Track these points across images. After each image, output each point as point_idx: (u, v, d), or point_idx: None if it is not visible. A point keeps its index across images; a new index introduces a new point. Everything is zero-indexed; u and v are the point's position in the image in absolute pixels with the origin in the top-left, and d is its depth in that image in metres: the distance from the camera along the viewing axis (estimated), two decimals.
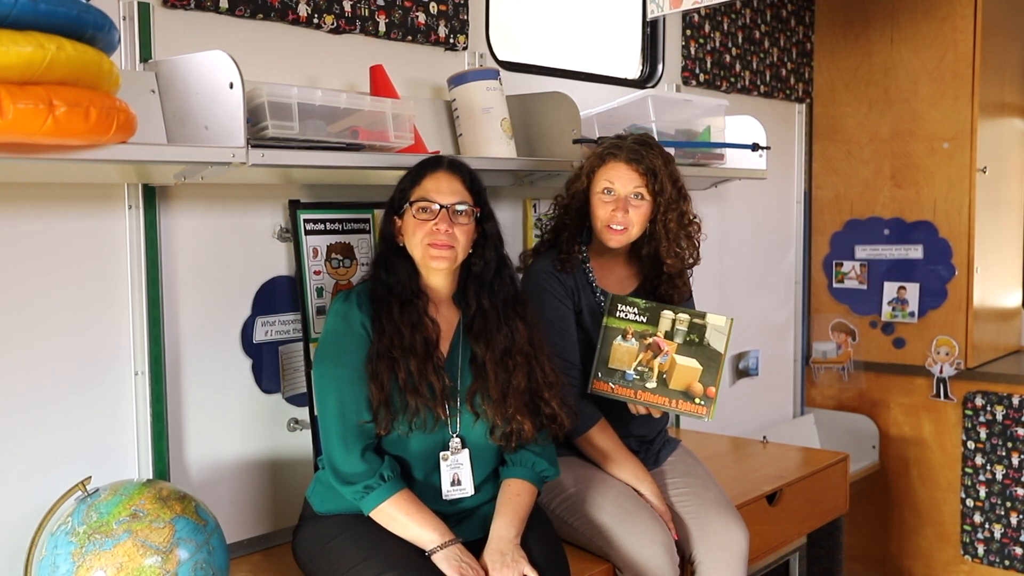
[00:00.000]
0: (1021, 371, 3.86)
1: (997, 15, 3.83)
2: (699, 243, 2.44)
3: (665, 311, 2.29)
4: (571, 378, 2.30)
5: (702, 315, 2.27)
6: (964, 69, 3.76)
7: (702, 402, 2.25)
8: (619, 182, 2.33)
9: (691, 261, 2.44)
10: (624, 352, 2.30)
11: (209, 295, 2.21)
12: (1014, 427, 3.73)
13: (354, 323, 1.98)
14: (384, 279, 2.03)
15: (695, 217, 2.42)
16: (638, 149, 2.33)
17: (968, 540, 3.86)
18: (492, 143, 2.51)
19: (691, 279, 2.54)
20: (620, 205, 2.32)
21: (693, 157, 2.96)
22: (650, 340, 2.29)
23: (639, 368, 2.29)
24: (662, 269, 2.41)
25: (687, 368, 2.26)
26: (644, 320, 2.30)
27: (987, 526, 3.81)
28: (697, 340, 2.26)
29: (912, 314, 3.95)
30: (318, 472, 2.10)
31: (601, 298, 2.39)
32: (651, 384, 2.28)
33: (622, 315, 2.31)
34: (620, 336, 2.31)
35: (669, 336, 2.28)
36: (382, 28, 2.46)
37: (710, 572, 2.25)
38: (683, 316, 2.27)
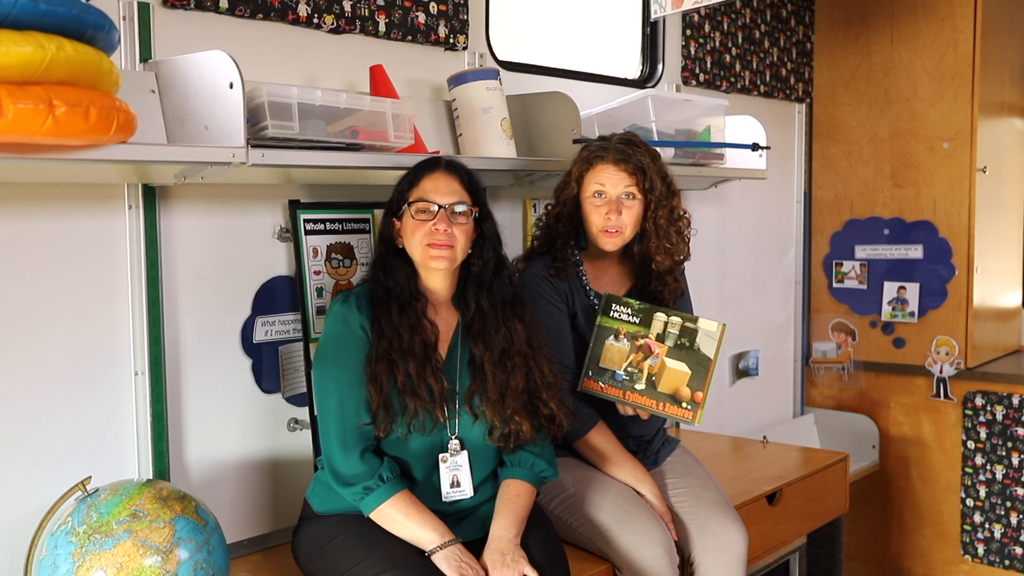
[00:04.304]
0: (1021, 371, 3.85)
1: (997, 15, 3.83)
2: (689, 238, 2.43)
3: (658, 313, 2.29)
4: (566, 382, 2.29)
5: (694, 319, 2.27)
6: (964, 69, 3.76)
7: (689, 406, 2.25)
8: (609, 184, 2.32)
9: (680, 258, 2.43)
10: (615, 352, 2.30)
11: (209, 295, 2.21)
12: (1014, 427, 3.73)
13: (353, 325, 1.98)
14: (383, 281, 2.03)
15: (684, 212, 2.41)
16: (624, 149, 2.32)
17: (968, 540, 3.86)
18: (492, 143, 2.51)
19: (688, 279, 2.54)
20: (613, 207, 2.32)
21: (693, 157, 2.96)
22: (641, 342, 2.29)
23: (629, 369, 2.29)
24: (646, 257, 2.40)
25: (676, 372, 2.26)
26: (637, 321, 2.30)
27: (987, 526, 3.81)
28: (688, 344, 2.26)
29: (912, 314, 3.95)
30: (318, 472, 2.11)
31: (595, 300, 2.39)
32: (640, 385, 2.28)
33: (616, 315, 2.31)
34: (612, 336, 2.31)
35: (660, 338, 2.28)
36: (382, 28, 2.46)
37: (708, 573, 2.25)
38: (675, 319, 2.27)
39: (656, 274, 2.40)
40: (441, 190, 2.01)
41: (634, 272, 2.47)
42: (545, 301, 2.33)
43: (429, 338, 2.00)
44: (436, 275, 2.04)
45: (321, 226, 2.35)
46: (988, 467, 3.80)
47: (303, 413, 2.35)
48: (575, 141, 2.61)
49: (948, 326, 3.88)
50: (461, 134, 2.56)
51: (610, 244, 2.35)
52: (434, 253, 1.98)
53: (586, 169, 2.35)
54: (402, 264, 2.04)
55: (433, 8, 2.58)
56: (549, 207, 2.45)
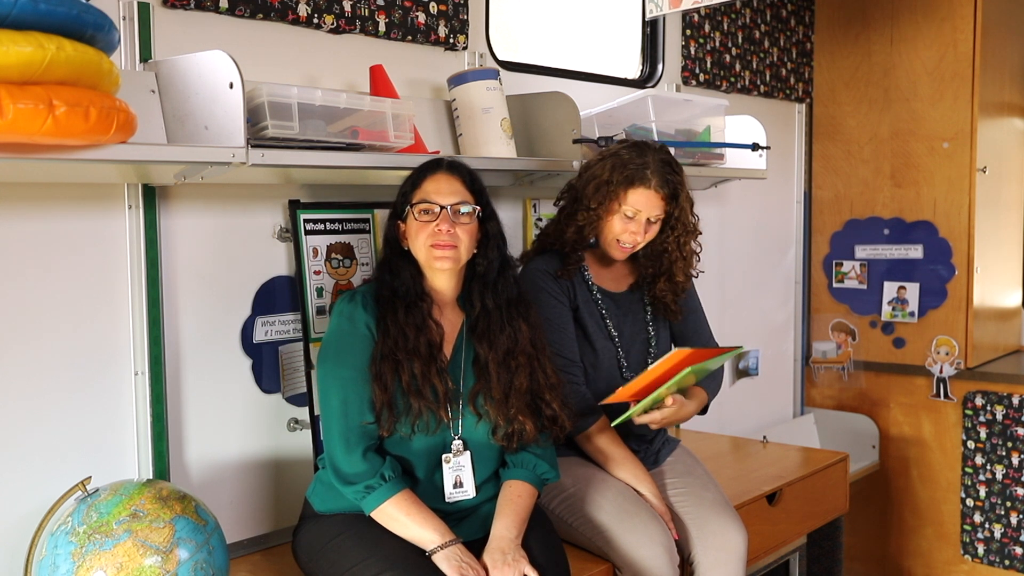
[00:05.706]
0: (1021, 371, 3.85)
1: (997, 15, 3.83)
2: (699, 251, 2.49)
3: (661, 396, 2.22)
4: (571, 375, 2.30)
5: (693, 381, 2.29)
6: (964, 69, 3.76)
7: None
8: (645, 208, 2.32)
9: (694, 272, 2.49)
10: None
11: (209, 295, 2.21)
12: (1014, 427, 3.73)
13: (359, 323, 1.98)
14: (388, 281, 2.03)
15: (697, 223, 2.45)
16: (667, 176, 2.31)
17: (968, 540, 3.86)
18: (492, 143, 2.51)
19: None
20: (640, 229, 2.34)
21: (693, 157, 2.96)
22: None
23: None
24: (659, 271, 2.43)
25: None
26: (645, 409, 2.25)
27: (987, 526, 3.81)
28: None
29: (912, 314, 3.95)
30: (318, 472, 2.11)
31: (597, 294, 2.41)
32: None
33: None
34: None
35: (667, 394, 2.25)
36: (382, 28, 2.46)
37: (708, 572, 2.25)
38: (674, 387, 2.23)
39: (669, 285, 2.44)
40: (443, 191, 2.01)
41: (636, 271, 2.50)
42: (547, 295, 2.35)
43: (434, 338, 2.00)
44: (441, 275, 2.04)
45: (321, 226, 2.35)
46: (988, 467, 3.80)
47: (303, 413, 2.35)
48: (575, 141, 2.61)
49: (948, 326, 3.88)
50: (461, 134, 2.56)
51: (621, 256, 2.39)
52: (438, 254, 1.98)
53: (626, 187, 2.32)
54: (407, 265, 2.04)
55: (433, 8, 2.58)
56: (563, 204, 2.45)
